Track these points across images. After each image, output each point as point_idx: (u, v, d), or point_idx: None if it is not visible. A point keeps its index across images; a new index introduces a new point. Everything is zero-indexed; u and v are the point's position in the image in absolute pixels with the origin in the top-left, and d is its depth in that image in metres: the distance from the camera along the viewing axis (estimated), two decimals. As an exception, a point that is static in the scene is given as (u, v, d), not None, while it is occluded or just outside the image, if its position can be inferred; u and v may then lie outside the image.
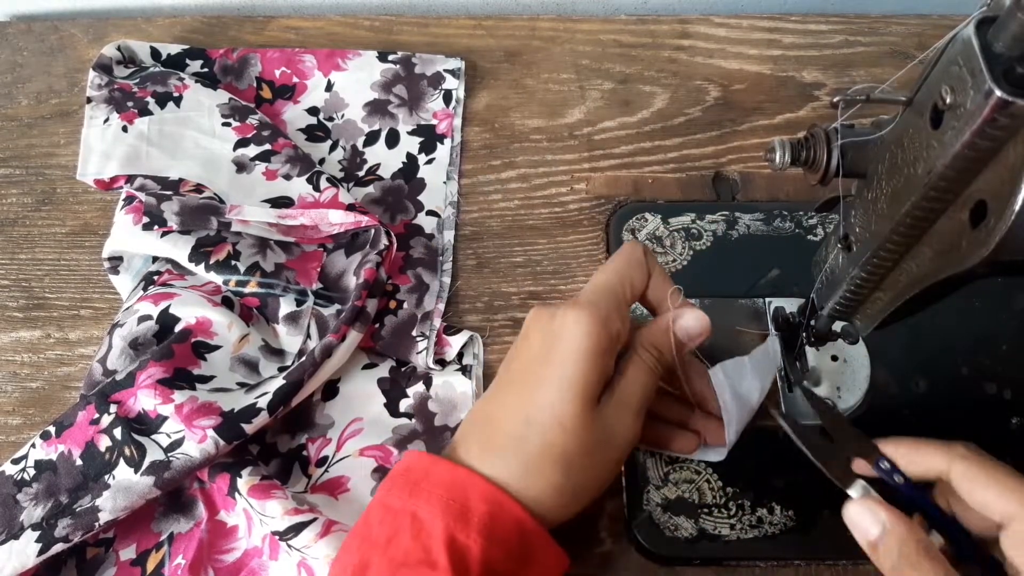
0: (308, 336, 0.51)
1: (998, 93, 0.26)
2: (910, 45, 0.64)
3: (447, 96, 0.61)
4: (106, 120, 0.56)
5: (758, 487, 0.47)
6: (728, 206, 0.56)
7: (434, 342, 0.51)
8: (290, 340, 0.51)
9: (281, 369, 0.50)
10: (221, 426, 0.44)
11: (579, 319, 0.38)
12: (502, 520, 0.36)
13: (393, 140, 0.60)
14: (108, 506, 0.43)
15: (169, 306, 0.50)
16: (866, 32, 0.64)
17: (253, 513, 0.45)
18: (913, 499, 0.37)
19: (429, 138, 0.59)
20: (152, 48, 0.62)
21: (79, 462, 0.45)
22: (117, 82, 0.58)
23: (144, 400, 0.46)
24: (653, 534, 0.46)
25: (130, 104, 0.57)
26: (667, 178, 0.59)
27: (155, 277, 0.53)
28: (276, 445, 0.49)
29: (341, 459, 0.49)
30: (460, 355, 0.52)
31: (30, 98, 0.62)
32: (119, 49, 0.60)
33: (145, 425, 0.45)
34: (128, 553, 0.46)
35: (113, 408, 0.46)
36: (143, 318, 0.49)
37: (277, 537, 0.44)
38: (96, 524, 0.43)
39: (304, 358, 0.47)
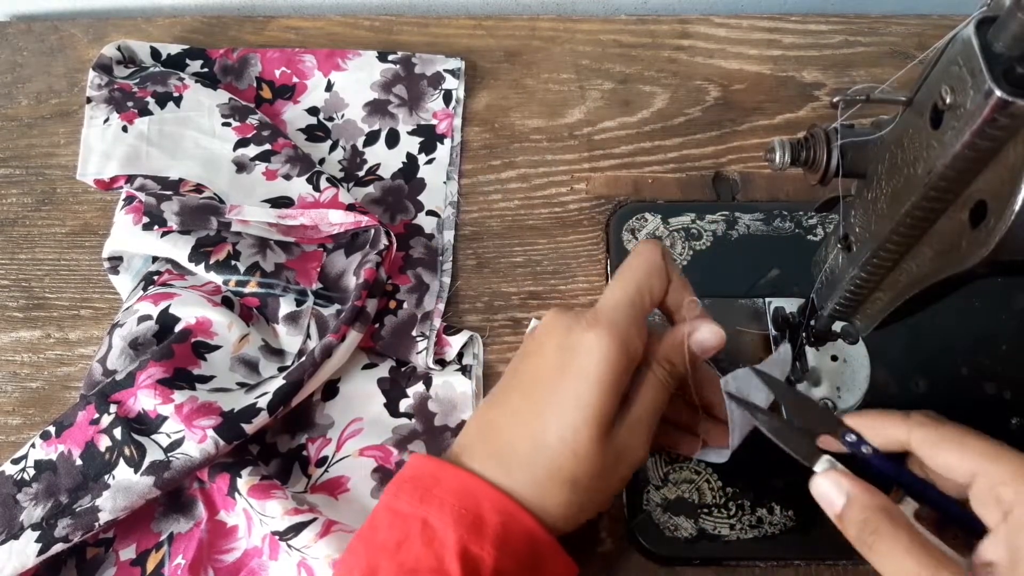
0: (308, 336, 0.51)
1: (998, 93, 0.26)
2: (910, 45, 0.64)
3: (447, 96, 0.61)
4: (106, 120, 0.56)
5: (758, 487, 0.47)
6: (728, 206, 0.56)
7: (434, 342, 0.51)
8: (290, 340, 0.51)
9: (281, 369, 0.50)
10: (221, 426, 0.44)
11: (599, 341, 0.37)
12: (514, 531, 0.36)
13: (393, 140, 0.60)
14: (108, 506, 0.43)
15: (169, 306, 0.50)
16: (866, 32, 0.64)
17: (253, 513, 0.45)
18: (887, 470, 0.37)
19: (429, 138, 0.59)
20: (152, 48, 0.62)
21: (79, 462, 0.46)
22: (117, 82, 0.58)
23: (144, 400, 0.46)
24: (653, 534, 0.46)
25: (130, 104, 0.57)
26: (667, 178, 0.59)
27: (155, 277, 0.53)
28: (276, 445, 0.50)
29: (341, 459, 0.49)
30: (460, 355, 0.52)
31: (30, 98, 0.62)
32: (119, 49, 0.60)
33: (145, 425, 0.45)
34: (128, 553, 0.46)
35: (113, 408, 0.46)
36: (143, 318, 0.49)
37: (277, 537, 0.44)
38: (96, 524, 0.43)
39: (304, 358, 0.47)
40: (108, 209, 0.57)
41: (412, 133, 0.60)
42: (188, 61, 0.62)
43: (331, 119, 0.61)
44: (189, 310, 0.49)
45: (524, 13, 0.69)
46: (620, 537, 0.47)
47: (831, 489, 0.36)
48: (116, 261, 0.54)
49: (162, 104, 0.57)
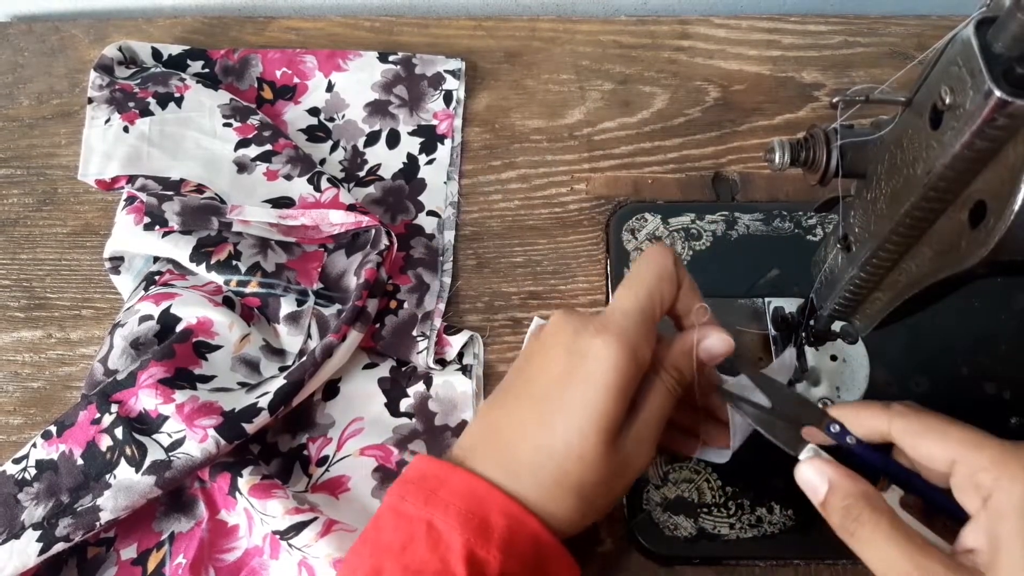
0: (309, 336, 0.51)
1: (997, 93, 0.26)
2: (909, 46, 0.64)
3: (447, 97, 0.61)
4: (107, 120, 0.56)
5: (758, 486, 0.47)
6: (728, 206, 0.57)
7: (434, 342, 0.52)
8: (291, 340, 0.51)
9: (282, 369, 0.50)
10: (222, 426, 0.44)
11: (608, 349, 0.37)
12: (520, 535, 0.36)
13: (394, 140, 0.60)
14: (109, 505, 0.43)
15: (170, 306, 0.50)
16: (865, 33, 0.64)
17: (254, 512, 0.45)
18: (872, 460, 0.37)
19: (429, 138, 0.60)
20: (153, 49, 0.62)
21: (80, 462, 0.46)
22: (118, 82, 0.58)
23: (145, 400, 0.46)
24: (653, 533, 0.46)
25: (131, 104, 0.57)
26: (667, 178, 0.59)
27: (156, 277, 0.53)
28: (277, 445, 0.50)
29: (342, 459, 0.49)
30: (460, 355, 0.52)
31: (31, 98, 0.62)
32: (120, 50, 0.60)
33: (146, 425, 0.45)
34: (129, 552, 0.46)
35: (114, 408, 0.46)
36: (144, 318, 0.49)
37: (278, 536, 0.44)
38: (97, 523, 0.43)
39: (305, 358, 0.48)
40: (109, 209, 0.57)
41: (413, 133, 0.60)
42: (189, 62, 0.62)
43: (332, 119, 0.61)
44: (190, 310, 0.50)
45: (524, 14, 0.69)
46: (620, 536, 0.47)
47: (814, 476, 0.36)
48: (117, 261, 0.54)
49: (163, 104, 0.57)
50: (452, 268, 0.55)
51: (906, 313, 0.37)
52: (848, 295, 0.39)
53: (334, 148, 0.60)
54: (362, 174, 0.59)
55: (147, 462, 0.44)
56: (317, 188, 0.54)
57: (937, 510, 0.35)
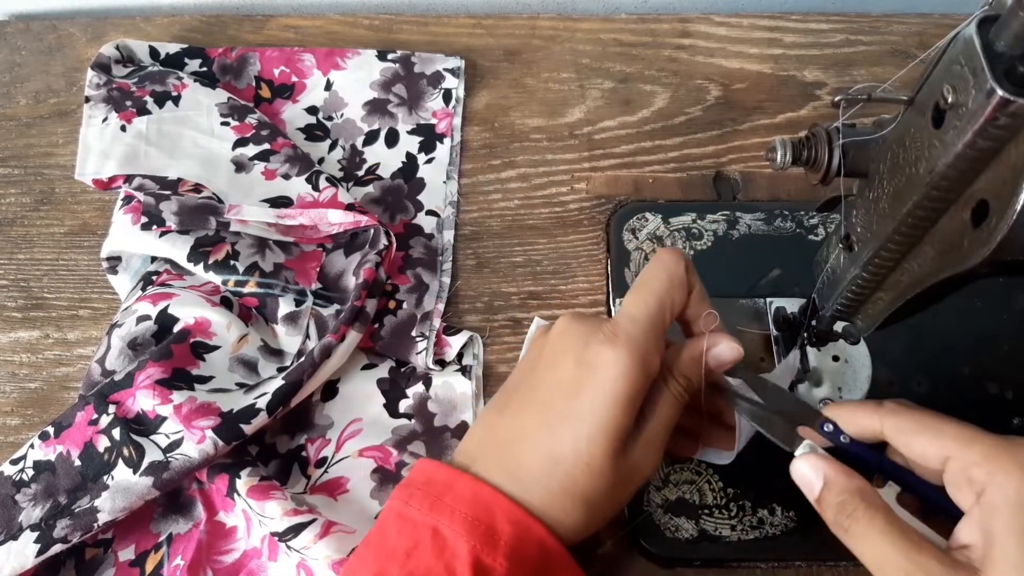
0: (307, 336, 0.51)
1: (1000, 92, 0.25)
2: (911, 44, 0.63)
3: (447, 95, 0.61)
4: (104, 119, 0.56)
5: (759, 488, 0.47)
6: (729, 206, 0.56)
7: (434, 342, 0.51)
8: (289, 340, 0.51)
9: (280, 369, 0.50)
10: (220, 427, 0.44)
11: (618, 359, 0.36)
12: (526, 542, 0.36)
13: (392, 139, 0.59)
14: (107, 507, 0.43)
15: (168, 306, 0.49)
16: (867, 31, 0.64)
17: (252, 514, 0.45)
18: (867, 459, 0.37)
19: (429, 137, 0.59)
20: (151, 47, 0.61)
21: (78, 463, 0.45)
22: (116, 81, 0.58)
23: (143, 400, 0.45)
24: (654, 535, 0.46)
25: (129, 103, 0.57)
26: (668, 178, 0.58)
27: (154, 277, 0.53)
28: (275, 446, 0.49)
29: (340, 460, 0.49)
30: (460, 355, 0.52)
31: (28, 97, 0.62)
32: (118, 48, 0.60)
33: (144, 426, 0.45)
34: (127, 554, 0.46)
35: (112, 409, 0.46)
36: (142, 318, 0.49)
37: (276, 538, 0.43)
38: (95, 525, 0.43)
39: (303, 358, 0.47)
40: (107, 209, 0.57)
41: (412, 132, 0.60)
42: (187, 60, 0.62)
43: (330, 118, 0.61)
44: (188, 310, 0.49)
45: (524, 12, 0.69)
46: (621, 538, 0.47)
47: (809, 472, 0.36)
48: (115, 261, 0.54)
49: (161, 103, 0.57)
50: (451, 268, 0.55)
51: (908, 313, 0.37)
52: (850, 295, 0.39)
53: (332, 147, 0.59)
54: (361, 173, 0.58)
55: (145, 463, 0.44)
56: (315, 187, 0.54)
57: (932, 508, 0.35)
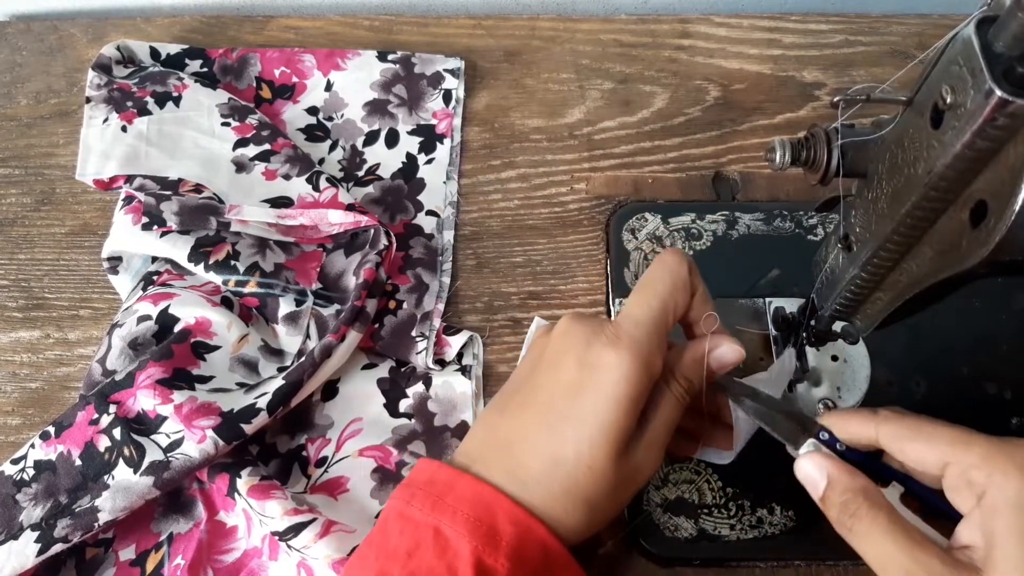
0: (307, 336, 0.51)
1: (998, 93, 0.26)
2: (910, 45, 0.64)
3: (447, 96, 0.61)
4: (105, 120, 0.56)
5: (758, 487, 0.47)
6: (728, 206, 0.56)
7: (434, 342, 0.51)
8: (289, 340, 0.51)
9: (280, 369, 0.50)
10: (220, 426, 0.44)
11: (621, 361, 0.36)
12: (528, 543, 0.36)
13: (393, 140, 0.60)
14: (107, 506, 0.43)
15: (168, 306, 0.50)
16: (866, 32, 0.64)
17: (252, 513, 0.45)
18: (866, 465, 0.37)
19: (429, 138, 0.59)
20: (151, 48, 0.62)
21: (78, 462, 0.45)
22: (116, 82, 0.58)
23: (143, 400, 0.46)
24: (653, 535, 0.46)
25: (129, 104, 0.57)
26: (667, 178, 0.59)
27: (154, 277, 0.53)
28: (275, 445, 0.49)
29: (340, 459, 0.49)
30: (460, 355, 0.52)
31: (29, 98, 0.62)
32: (118, 49, 0.60)
33: (144, 425, 0.45)
34: (127, 553, 0.46)
35: (112, 408, 0.46)
36: (142, 318, 0.49)
37: (276, 537, 0.43)
38: (95, 524, 0.43)
39: (303, 358, 0.47)
40: (107, 209, 0.57)
41: (412, 133, 0.60)
42: (187, 61, 0.62)
43: (331, 119, 0.61)
44: (188, 310, 0.49)
45: (524, 13, 0.69)
46: (620, 538, 0.47)
47: (813, 471, 0.36)
48: (115, 261, 0.54)
49: (161, 104, 0.57)
50: (451, 268, 0.55)
51: (907, 313, 0.37)
52: (849, 295, 0.39)
53: (333, 147, 0.60)
54: (361, 174, 0.58)
55: (145, 463, 0.44)
56: (316, 188, 0.54)
57: (930, 511, 0.35)
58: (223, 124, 0.57)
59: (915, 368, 0.50)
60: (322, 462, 0.49)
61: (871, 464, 0.37)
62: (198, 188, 0.54)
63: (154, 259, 0.54)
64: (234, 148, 0.56)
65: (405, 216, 0.57)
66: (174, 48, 0.62)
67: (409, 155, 0.59)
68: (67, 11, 0.68)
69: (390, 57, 0.62)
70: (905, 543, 0.32)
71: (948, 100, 0.28)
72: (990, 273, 0.30)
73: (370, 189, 0.58)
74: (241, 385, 0.49)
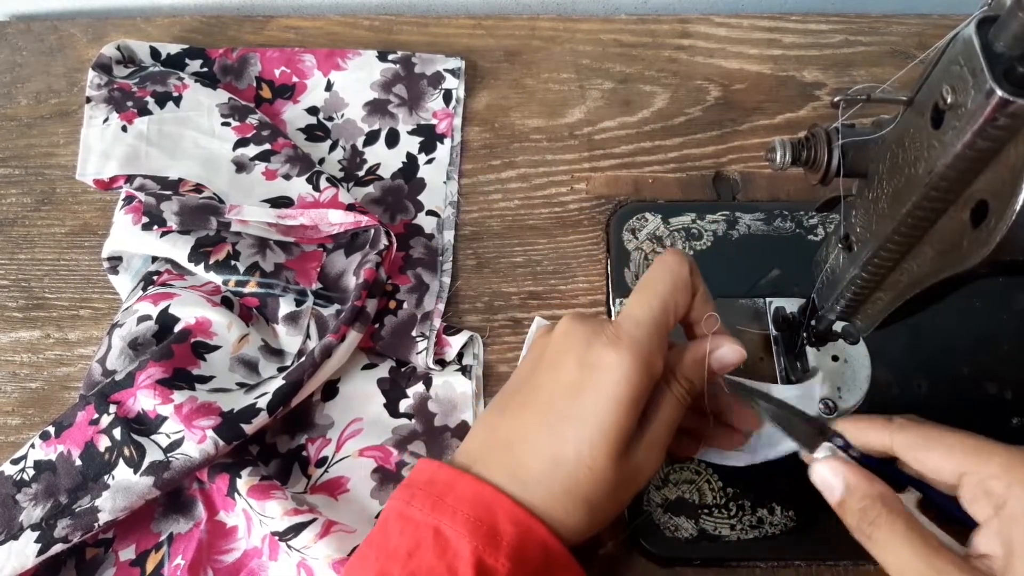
0: (308, 336, 0.51)
1: (999, 93, 0.26)
2: (911, 45, 0.64)
3: (447, 96, 0.61)
4: (105, 120, 0.56)
5: (759, 487, 0.47)
6: (729, 206, 0.56)
7: (434, 342, 0.51)
8: (290, 340, 0.51)
9: (281, 369, 0.50)
10: (220, 426, 0.44)
11: (621, 362, 0.36)
12: (529, 543, 0.36)
13: (393, 140, 0.60)
14: (107, 506, 0.43)
15: (168, 306, 0.49)
16: (867, 32, 0.64)
17: (253, 513, 0.45)
18: (879, 470, 0.37)
19: (429, 138, 0.59)
20: (152, 48, 0.62)
21: (78, 462, 0.45)
22: (116, 82, 0.58)
23: (143, 400, 0.46)
24: (653, 535, 0.46)
25: (129, 104, 0.57)
26: (667, 178, 0.58)
27: (154, 277, 0.53)
28: (276, 445, 0.49)
29: (341, 459, 0.49)
30: (460, 355, 0.52)
31: (29, 98, 0.62)
32: (119, 49, 0.60)
33: (144, 425, 0.45)
34: (127, 553, 0.46)
35: (112, 408, 0.46)
36: (142, 318, 0.49)
37: (277, 537, 0.43)
38: (95, 524, 0.43)
39: (304, 358, 0.47)
40: (107, 209, 0.57)
41: (412, 133, 0.60)
42: (188, 61, 0.62)
43: (331, 119, 0.61)
44: (188, 310, 0.49)
45: (524, 13, 0.69)
46: (621, 538, 0.47)
47: (830, 476, 0.36)
48: (115, 261, 0.54)
49: (161, 104, 0.57)
50: (452, 268, 0.55)
51: (907, 313, 0.37)
52: (849, 295, 0.39)
53: (333, 147, 0.60)
54: (361, 173, 0.58)
55: (145, 463, 0.44)
56: (316, 188, 0.54)
57: (945, 518, 0.35)
58: (223, 124, 0.57)
59: (915, 368, 0.50)
60: (322, 462, 0.49)
61: (884, 470, 0.37)
62: (198, 188, 0.54)
63: (154, 259, 0.54)
64: (234, 148, 0.56)
65: (405, 216, 0.57)
66: (174, 48, 0.62)
67: (409, 155, 0.59)
68: (67, 11, 0.68)
69: (390, 57, 0.62)
70: (924, 551, 0.32)
71: (949, 100, 0.28)
72: (991, 273, 0.30)
73: (370, 189, 0.58)
74: (241, 385, 0.49)
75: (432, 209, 0.57)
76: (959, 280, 0.31)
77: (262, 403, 0.46)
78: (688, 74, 0.63)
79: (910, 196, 0.32)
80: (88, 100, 0.57)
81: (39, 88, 0.63)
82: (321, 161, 0.58)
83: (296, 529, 0.43)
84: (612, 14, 0.68)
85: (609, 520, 0.39)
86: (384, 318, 0.52)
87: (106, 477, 0.44)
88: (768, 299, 0.51)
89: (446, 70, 0.61)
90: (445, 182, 0.58)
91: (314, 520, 0.43)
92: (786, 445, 0.43)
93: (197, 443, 0.44)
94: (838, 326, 0.44)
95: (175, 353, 0.48)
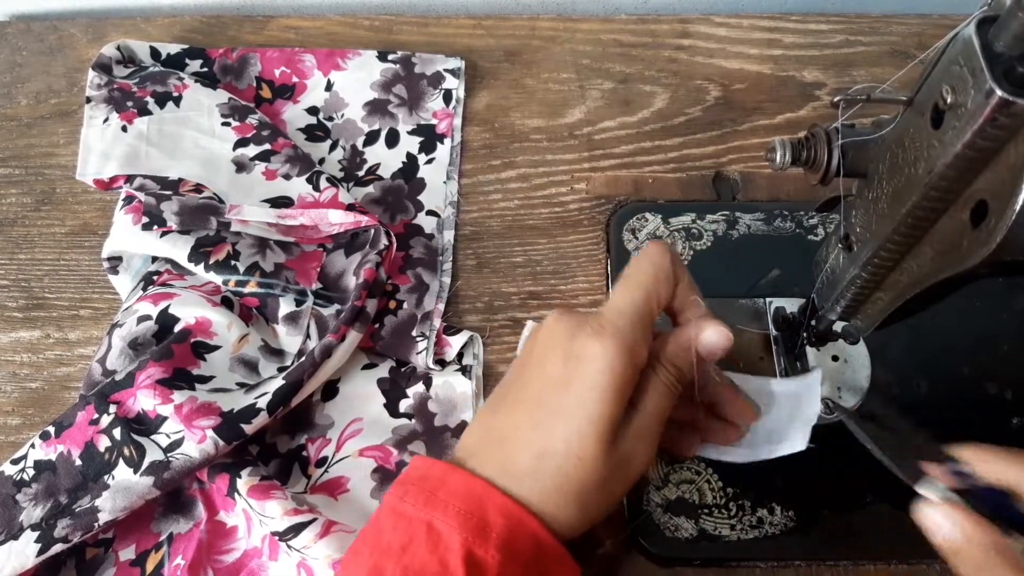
0: (308, 336, 0.51)
1: (999, 93, 0.26)
2: (911, 45, 0.64)
3: (447, 96, 0.61)
4: (105, 120, 0.56)
5: (758, 487, 0.47)
6: (728, 206, 0.56)
7: (434, 342, 0.51)
8: (290, 340, 0.51)
9: (281, 369, 0.50)
10: (220, 426, 0.44)
11: (605, 351, 0.36)
12: (520, 535, 0.36)
13: (393, 140, 0.60)
14: (107, 506, 0.43)
15: (168, 306, 0.49)
16: (867, 32, 0.64)
17: (252, 513, 0.45)
18: (996, 506, 0.36)
19: (429, 138, 0.59)
20: (152, 48, 0.62)
21: (78, 462, 0.45)
22: (116, 82, 0.58)
23: (143, 400, 0.46)
24: (653, 535, 0.46)
25: (129, 104, 0.57)
26: (667, 178, 0.58)
27: (154, 277, 0.53)
28: (276, 445, 0.49)
29: (341, 459, 0.49)
30: (460, 355, 0.52)
31: (29, 98, 0.62)
32: (119, 49, 0.60)
33: (144, 425, 0.45)
34: (127, 553, 0.46)
35: (112, 408, 0.46)
36: (142, 318, 0.49)
37: (276, 537, 0.43)
38: (95, 524, 0.43)
39: (304, 358, 0.47)
40: (107, 209, 0.57)
41: (412, 133, 0.60)
42: (188, 61, 0.62)
43: (331, 119, 0.61)
44: (188, 310, 0.49)
45: (524, 13, 0.69)
46: (620, 538, 0.47)
47: (944, 523, 0.34)
48: (115, 261, 0.54)
49: (161, 104, 0.57)
50: (452, 268, 0.55)
51: (907, 313, 0.37)
52: (849, 295, 0.39)
53: (333, 147, 0.60)
54: (361, 173, 0.58)
55: (145, 463, 0.44)
56: (316, 188, 0.54)
57: None
58: (223, 124, 0.57)
59: (915, 368, 0.50)
60: (322, 462, 0.49)
61: (1004, 506, 0.36)
62: (198, 188, 0.54)
63: (154, 259, 0.54)
64: (234, 148, 0.56)
65: (405, 216, 0.57)
66: (174, 48, 0.62)
67: (409, 155, 0.59)
68: (67, 11, 0.68)
69: (390, 57, 0.62)
70: None
71: (948, 100, 0.28)
72: (991, 273, 0.30)
73: (370, 189, 0.58)
74: (241, 385, 0.49)
75: (432, 209, 0.57)
76: (959, 280, 0.31)
77: (262, 403, 0.46)
78: (688, 74, 0.63)
79: (910, 196, 0.32)
80: (88, 100, 0.57)
81: (39, 88, 0.63)
82: (321, 161, 0.58)
83: (296, 529, 0.43)
84: (612, 14, 0.68)
85: (603, 515, 0.39)
86: (384, 318, 0.52)
87: (106, 477, 0.44)
88: (768, 299, 0.51)
89: (446, 70, 0.61)
90: (445, 182, 0.58)
91: (314, 520, 0.43)
92: (786, 446, 0.43)
93: (197, 443, 0.44)
94: (838, 326, 0.44)
95: (175, 353, 0.48)
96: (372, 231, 0.53)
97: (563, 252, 0.56)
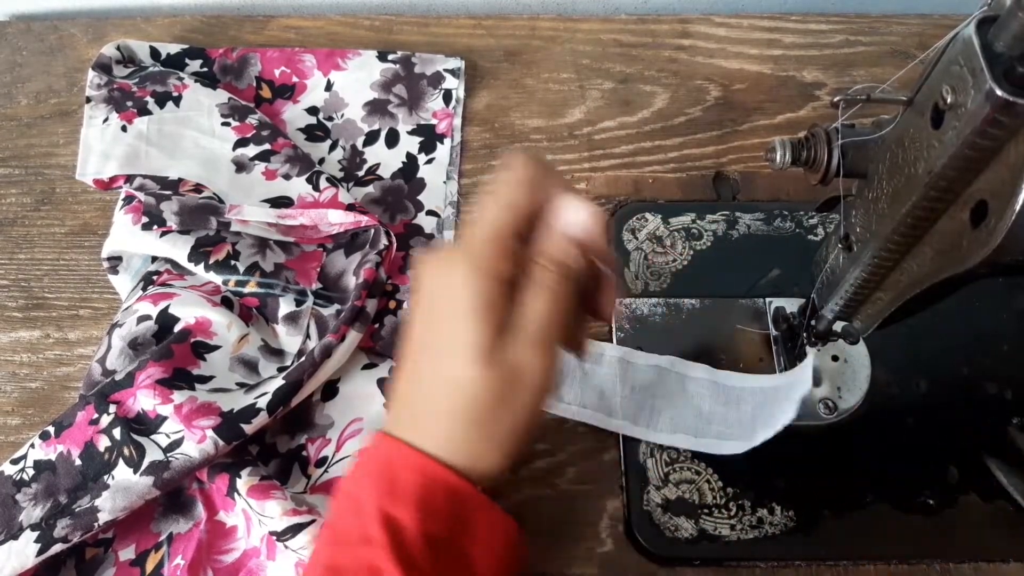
0: (307, 336, 0.51)
1: (999, 93, 0.26)
2: (911, 45, 0.64)
3: (447, 96, 0.61)
4: (105, 120, 0.56)
5: (758, 487, 0.47)
6: (729, 206, 0.56)
7: (434, 342, 0.51)
8: (289, 340, 0.51)
9: (280, 369, 0.50)
10: (220, 426, 0.44)
11: (458, 276, 0.36)
12: (434, 490, 0.35)
13: (393, 140, 0.60)
14: (107, 506, 0.43)
15: (168, 306, 0.49)
16: (867, 32, 0.64)
17: (252, 513, 0.45)
18: None
19: (429, 138, 0.59)
20: (152, 48, 0.62)
21: (78, 462, 0.45)
22: (116, 82, 0.58)
23: (143, 400, 0.46)
24: (653, 535, 0.46)
25: (129, 104, 0.57)
26: (667, 178, 0.58)
27: (154, 277, 0.53)
28: (275, 445, 0.49)
29: (341, 459, 0.49)
30: (460, 355, 0.52)
31: (29, 98, 0.62)
32: (119, 49, 0.60)
33: (144, 425, 0.45)
34: (127, 553, 0.46)
35: (112, 408, 0.46)
36: (142, 318, 0.49)
37: (275, 538, 0.43)
38: (95, 524, 0.43)
39: (303, 358, 0.47)
40: (107, 209, 0.57)
41: (412, 133, 0.60)
42: (188, 61, 0.62)
43: (331, 119, 0.61)
44: (188, 310, 0.49)
45: (524, 12, 0.69)
46: (620, 538, 0.47)
47: None
48: (115, 261, 0.54)
49: (161, 104, 0.57)
50: (451, 268, 0.55)
51: (907, 313, 0.37)
52: (849, 295, 0.39)
53: (333, 147, 0.59)
54: (361, 173, 0.58)
55: (145, 463, 0.44)
56: (316, 187, 0.54)
57: None
58: (223, 124, 0.57)
59: (915, 368, 0.50)
60: (322, 462, 0.49)
61: None
62: (198, 188, 0.54)
63: (154, 259, 0.54)
64: (234, 148, 0.56)
65: (405, 216, 0.57)
66: (174, 48, 0.62)
67: (409, 155, 0.59)
68: (67, 11, 0.68)
69: (390, 57, 0.62)
70: None
71: (948, 100, 0.28)
72: (991, 273, 0.30)
73: (370, 189, 0.58)
74: (241, 385, 0.49)
75: (432, 209, 0.57)
76: (959, 280, 0.31)
77: (262, 403, 0.46)
78: (688, 74, 0.63)
79: (910, 196, 0.32)
80: (88, 100, 0.57)
81: (39, 88, 0.63)
82: (321, 161, 0.58)
83: (295, 529, 0.43)
84: (612, 14, 0.68)
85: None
86: (384, 318, 0.52)
87: (106, 477, 0.44)
88: (768, 299, 0.51)
89: (446, 70, 0.61)
90: (445, 182, 0.58)
91: (313, 521, 0.43)
92: (781, 421, 0.43)
93: (197, 443, 0.44)
94: (838, 326, 0.44)
95: (175, 353, 0.48)
96: (372, 231, 0.53)
97: (563, 252, 0.56)
